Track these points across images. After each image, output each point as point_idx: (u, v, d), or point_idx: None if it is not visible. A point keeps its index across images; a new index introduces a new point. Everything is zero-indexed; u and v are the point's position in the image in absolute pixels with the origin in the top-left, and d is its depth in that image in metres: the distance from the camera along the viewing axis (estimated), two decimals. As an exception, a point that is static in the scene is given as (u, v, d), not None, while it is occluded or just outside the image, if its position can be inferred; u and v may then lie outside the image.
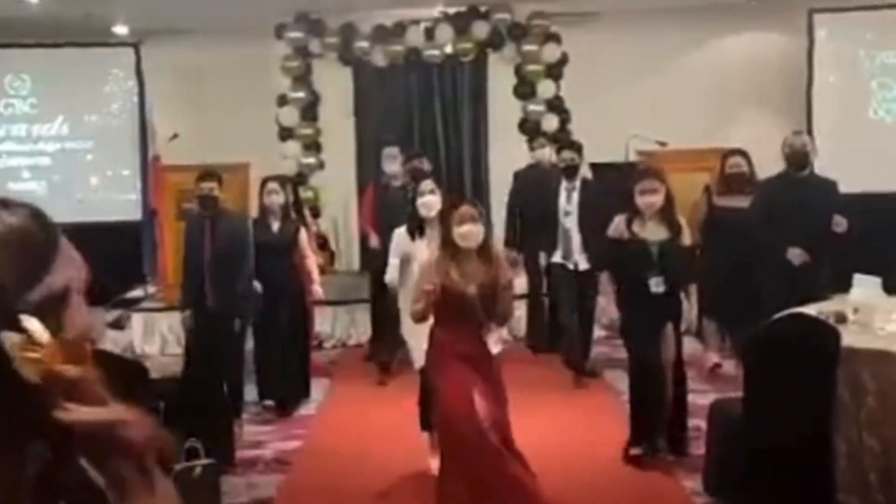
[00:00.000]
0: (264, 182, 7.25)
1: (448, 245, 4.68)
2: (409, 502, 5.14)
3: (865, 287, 5.63)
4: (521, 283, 8.47)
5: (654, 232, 5.55)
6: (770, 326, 4.89)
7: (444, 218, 4.80)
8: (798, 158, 6.91)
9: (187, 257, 6.79)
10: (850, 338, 4.69)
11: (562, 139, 10.00)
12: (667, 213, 5.58)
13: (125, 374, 4.49)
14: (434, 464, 5.32)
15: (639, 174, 5.81)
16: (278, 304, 6.91)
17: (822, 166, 9.74)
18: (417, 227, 5.57)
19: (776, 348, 4.65)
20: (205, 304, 6.57)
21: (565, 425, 6.31)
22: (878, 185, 9.60)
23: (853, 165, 9.73)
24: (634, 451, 5.61)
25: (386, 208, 7.77)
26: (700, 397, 6.60)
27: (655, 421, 5.60)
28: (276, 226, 7.10)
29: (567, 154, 7.86)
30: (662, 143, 9.56)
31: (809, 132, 9.95)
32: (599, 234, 6.93)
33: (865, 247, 7.31)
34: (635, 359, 5.67)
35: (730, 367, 7.40)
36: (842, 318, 5.04)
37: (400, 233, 5.69)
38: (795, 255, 6.72)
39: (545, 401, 7.08)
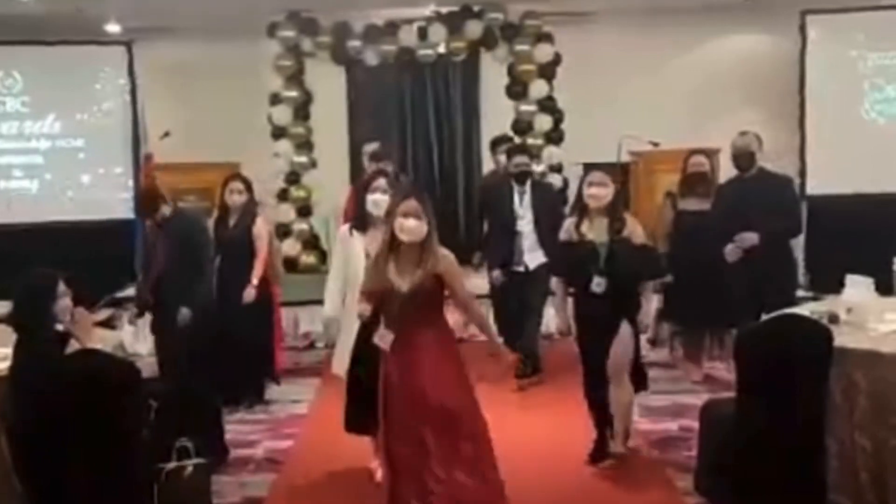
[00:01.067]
0: (227, 180, 7.23)
1: (390, 239, 4.56)
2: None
3: (858, 287, 5.63)
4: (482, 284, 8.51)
5: (601, 232, 5.49)
6: (763, 326, 4.90)
7: (391, 210, 4.68)
8: (742, 159, 6.93)
9: (143, 263, 6.83)
10: (842, 338, 4.70)
11: (551, 137, 10.06)
12: (613, 212, 5.51)
13: (117, 374, 4.49)
14: (375, 464, 5.38)
15: (589, 170, 5.75)
16: (234, 303, 6.91)
17: (815, 167, 9.82)
18: (360, 223, 5.48)
19: (769, 348, 4.66)
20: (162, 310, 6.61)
21: (553, 424, 6.29)
22: (870, 186, 9.63)
23: (845, 166, 9.78)
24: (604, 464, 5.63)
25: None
26: (692, 397, 6.63)
27: (597, 424, 5.63)
28: (232, 222, 7.11)
29: (520, 159, 7.74)
30: (655, 144, 9.57)
31: (802, 133, 10.02)
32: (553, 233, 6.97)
33: (858, 247, 7.33)
34: (584, 363, 5.65)
35: (718, 369, 7.42)
36: (834, 319, 5.04)
37: (343, 231, 5.63)
38: (731, 251, 6.68)
39: (530, 399, 7.10)
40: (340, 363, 5.46)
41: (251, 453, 6.13)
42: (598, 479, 5.45)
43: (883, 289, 5.85)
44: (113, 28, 10.43)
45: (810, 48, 10.18)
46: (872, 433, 4.57)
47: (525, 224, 7.60)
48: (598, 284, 5.39)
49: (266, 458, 6.07)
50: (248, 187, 7.23)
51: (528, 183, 7.69)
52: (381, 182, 5.52)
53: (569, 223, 5.64)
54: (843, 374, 4.61)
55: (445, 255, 4.58)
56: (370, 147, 8.61)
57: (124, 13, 10.05)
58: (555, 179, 10.20)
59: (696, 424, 5.38)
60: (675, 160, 8.95)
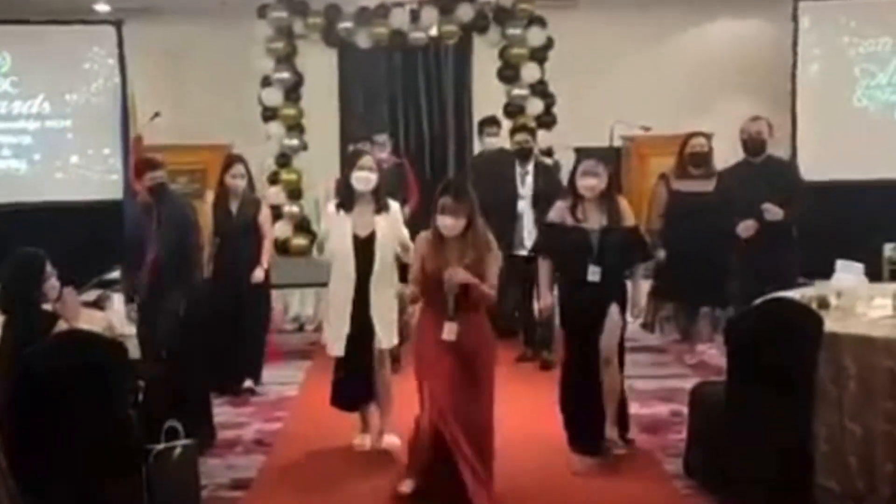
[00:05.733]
0: (230, 163, 7.18)
1: (434, 229, 4.84)
2: (389, 485, 5.12)
3: (848, 273, 5.63)
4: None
5: (595, 219, 5.47)
6: (753, 311, 4.90)
7: (433, 201, 4.90)
8: (754, 145, 7.00)
9: (132, 245, 6.75)
10: (832, 323, 4.71)
11: (543, 121, 10.02)
12: (607, 199, 5.50)
13: (105, 354, 4.46)
14: (358, 440, 5.75)
15: (582, 158, 5.74)
16: (233, 287, 6.98)
17: (806, 153, 9.82)
18: (347, 202, 5.59)
19: (758, 333, 4.66)
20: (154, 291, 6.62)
21: (542, 408, 6.26)
22: (861, 173, 9.64)
23: (836, 153, 9.79)
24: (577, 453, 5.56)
25: None
26: (681, 381, 6.63)
27: (591, 414, 5.53)
28: (234, 207, 7.10)
29: (520, 136, 7.83)
30: (646, 128, 9.56)
31: (793, 119, 10.02)
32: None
33: (848, 233, 7.35)
34: (569, 351, 5.60)
35: (710, 354, 7.42)
36: (824, 304, 5.05)
37: (331, 209, 5.72)
38: (746, 227, 6.80)
39: (519, 382, 7.09)
40: (334, 344, 5.61)
41: (240, 435, 6.12)
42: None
43: (873, 274, 5.86)
44: (102, 8, 10.36)
45: (802, 35, 10.19)
46: (862, 418, 4.58)
47: (524, 205, 7.58)
48: (593, 273, 5.38)
49: (255, 440, 6.06)
50: (248, 171, 7.25)
51: (531, 164, 7.67)
52: (367, 160, 5.63)
53: (562, 206, 5.61)
54: (833, 359, 4.61)
55: (489, 243, 4.88)
56: (380, 138, 8.64)
57: (114, -7, 9.99)
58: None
59: (685, 408, 5.39)
60: (667, 145, 8.93)
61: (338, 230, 5.59)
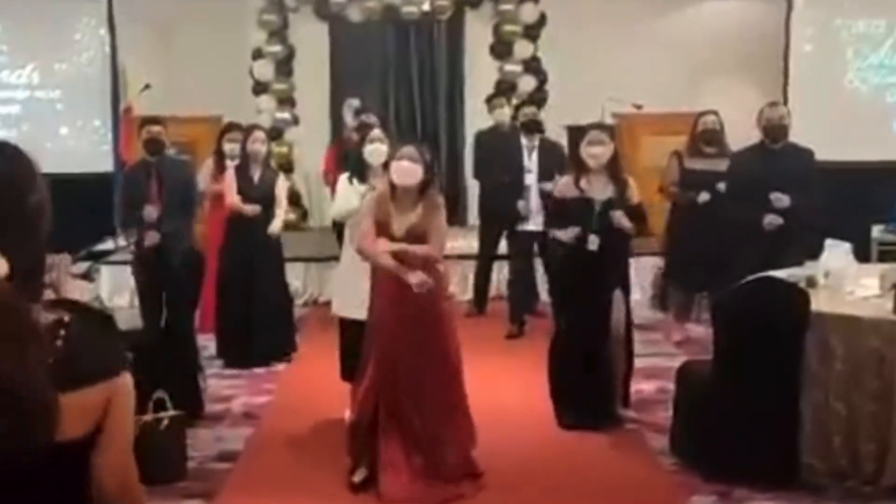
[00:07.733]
0: (250, 130, 7.27)
1: (390, 185, 4.66)
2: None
3: (837, 253, 5.64)
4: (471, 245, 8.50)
5: (600, 190, 5.47)
6: (740, 289, 4.91)
7: (391, 157, 4.78)
8: (775, 132, 6.81)
9: (130, 203, 6.83)
10: (819, 302, 4.72)
11: (535, 98, 10.00)
12: (613, 170, 5.51)
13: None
14: (348, 413, 5.27)
15: (586, 128, 5.73)
16: (255, 254, 7.01)
17: (797, 134, 9.78)
18: (358, 176, 5.42)
19: (746, 311, 4.68)
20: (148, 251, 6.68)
21: (529, 385, 6.28)
22: (852, 154, 9.64)
23: (828, 134, 9.77)
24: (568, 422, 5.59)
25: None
26: (669, 360, 6.65)
27: (583, 388, 5.55)
28: (257, 175, 7.09)
29: (528, 110, 7.95)
30: (638, 106, 9.54)
31: (785, 99, 9.97)
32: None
33: (838, 214, 7.33)
34: (568, 323, 5.61)
35: (698, 332, 7.44)
36: (812, 283, 5.06)
37: (343, 179, 5.57)
38: (770, 222, 6.51)
39: (505, 360, 7.10)
40: (345, 305, 5.38)
41: (227, 407, 6.12)
42: (574, 439, 5.47)
43: (861, 255, 5.86)
44: (93, -23, 10.29)
45: (795, 14, 10.17)
46: (847, 398, 4.60)
47: (532, 178, 7.59)
48: (592, 242, 5.39)
49: (243, 412, 6.06)
50: (268, 138, 7.37)
51: (538, 138, 7.73)
52: (377, 132, 5.54)
53: (566, 179, 5.63)
54: (820, 338, 4.63)
55: (438, 207, 4.66)
56: (354, 102, 8.58)
57: (105, -38, 9.91)
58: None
59: (672, 386, 5.40)
60: (659, 122, 8.94)
61: (349, 199, 5.39)
